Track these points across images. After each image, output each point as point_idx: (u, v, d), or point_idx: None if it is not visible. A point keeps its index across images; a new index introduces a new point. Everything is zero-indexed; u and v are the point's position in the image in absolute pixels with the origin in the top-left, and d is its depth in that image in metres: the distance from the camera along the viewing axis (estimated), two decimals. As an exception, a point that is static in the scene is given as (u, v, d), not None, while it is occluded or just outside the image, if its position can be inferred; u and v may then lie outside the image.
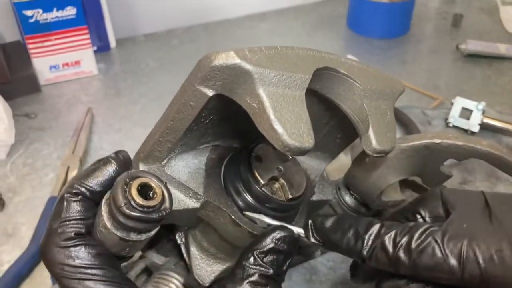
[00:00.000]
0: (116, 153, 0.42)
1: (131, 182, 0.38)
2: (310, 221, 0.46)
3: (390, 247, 0.41)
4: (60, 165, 0.88)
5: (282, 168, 0.49)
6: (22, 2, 1.01)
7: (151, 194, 0.39)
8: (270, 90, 0.37)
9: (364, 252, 0.42)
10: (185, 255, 0.52)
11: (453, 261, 0.38)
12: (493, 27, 1.36)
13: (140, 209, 0.37)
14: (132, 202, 0.37)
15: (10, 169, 0.89)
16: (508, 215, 0.40)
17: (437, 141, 0.51)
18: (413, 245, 0.40)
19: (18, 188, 0.86)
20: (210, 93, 0.39)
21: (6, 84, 1.03)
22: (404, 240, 0.41)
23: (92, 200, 0.40)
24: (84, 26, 1.07)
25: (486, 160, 0.51)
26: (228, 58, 0.37)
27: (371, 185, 0.55)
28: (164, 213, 0.38)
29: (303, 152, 0.37)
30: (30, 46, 1.06)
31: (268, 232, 0.42)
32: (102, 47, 1.23)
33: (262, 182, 0.47)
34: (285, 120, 0.37)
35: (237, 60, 0.37)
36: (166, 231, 0.53)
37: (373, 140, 0.43)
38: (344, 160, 0.75)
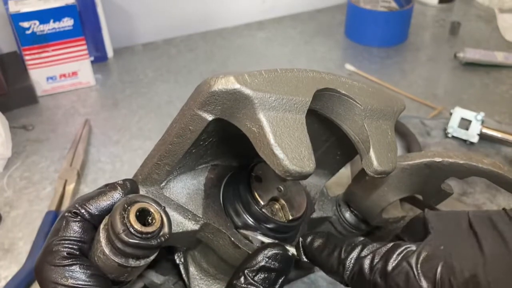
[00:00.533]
0: (124, 180, 0.41)
1: (129, 207, 0.37)
2: (300, 240, 0.46)
3: (367, 271, 0.40)
4: (57, 178, 0.88)
5: (282, 188, 0.49)
6: (19, 13, 1.00)
7: (149, 220, 0.38)
8: (270, 115, 0.37)
9: (345, 277, 0.42)
10: (184, 275, 0.51)
11: (425, 286, 0.37)
12: (491, 35, 1.36)
13: (139, 235, 0.37)
14: (131, 229, 0.37)
15: (7, 182, 0.89)
16: (488, 238, 0.39)
17: (438, 159, 0.50)
18: (389, 268, 0.39)
19: (15, 202, 0.85)
20: (210, 117, 0.39)
21: (3, 95, 1.02)
22: (380, 264, 0.40)
23: (91, 223, 0.40)
24: (81, 37, 1.07)
25: (488, 178, 0.51)
26: (227, 83, 0.37)
27: (371, 204, 0.54)
28: (163, 239, 0.38)
29: (304, 177, 0.37)
30: (27, 57, 1.06)
31: (260, 250, 0.42)
32: (99, 58, 1.22)
33: (262, 203, 0.46)
34: (285, 145, 0.36)
35: (236, 86, 0.36)
36: (165, 250, 0.52)
37: (374, 161, 0.43)
38: (343, 173, 0.74)
